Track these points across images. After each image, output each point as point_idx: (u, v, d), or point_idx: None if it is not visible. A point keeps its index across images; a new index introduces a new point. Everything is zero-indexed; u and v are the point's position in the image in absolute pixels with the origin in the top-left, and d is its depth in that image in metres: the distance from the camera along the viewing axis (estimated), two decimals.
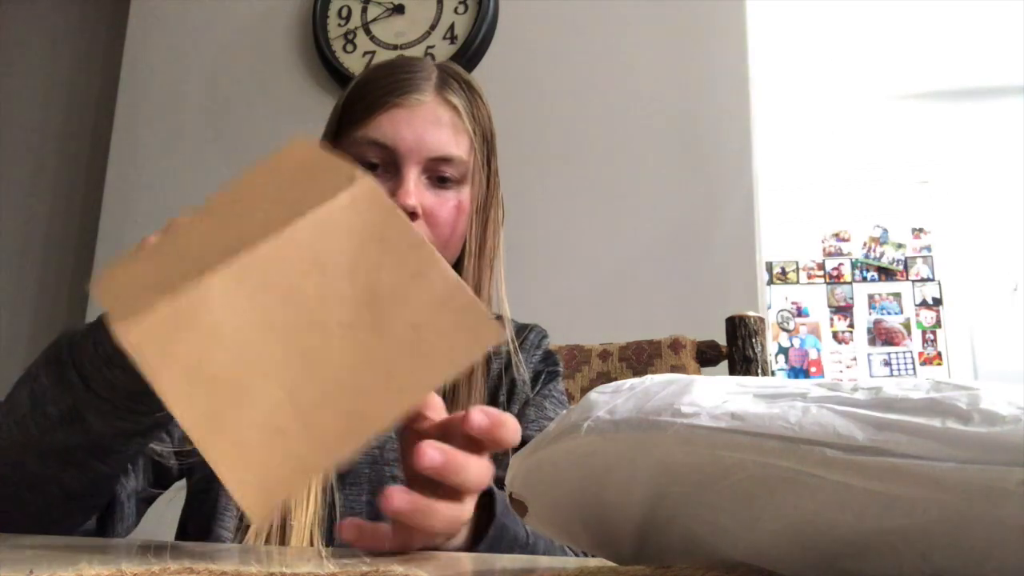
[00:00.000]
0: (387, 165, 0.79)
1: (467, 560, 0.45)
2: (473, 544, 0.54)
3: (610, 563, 0.37)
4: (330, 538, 0.71)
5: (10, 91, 2.18)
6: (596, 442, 0.31)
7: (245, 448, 0.40)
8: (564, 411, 0.81)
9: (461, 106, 0.81)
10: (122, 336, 0.38)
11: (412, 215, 0.77)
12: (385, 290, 0.41)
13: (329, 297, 0.41)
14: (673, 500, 0.32)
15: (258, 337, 0.40)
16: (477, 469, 0.48)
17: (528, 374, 0.83)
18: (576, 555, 0.64)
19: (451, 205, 0.80)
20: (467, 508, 0.49)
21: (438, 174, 0.79)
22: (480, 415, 0.47)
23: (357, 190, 0.41)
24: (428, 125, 0.78)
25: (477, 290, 0.82)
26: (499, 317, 0.86)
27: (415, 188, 0.77)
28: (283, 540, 0.69)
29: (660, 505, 0.32)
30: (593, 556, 0.38)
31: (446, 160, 0.79)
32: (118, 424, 0.54)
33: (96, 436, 0.54)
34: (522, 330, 0.88)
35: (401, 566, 0.33)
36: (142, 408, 0.54)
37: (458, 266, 0.84)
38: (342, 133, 0.82)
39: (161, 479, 0.74)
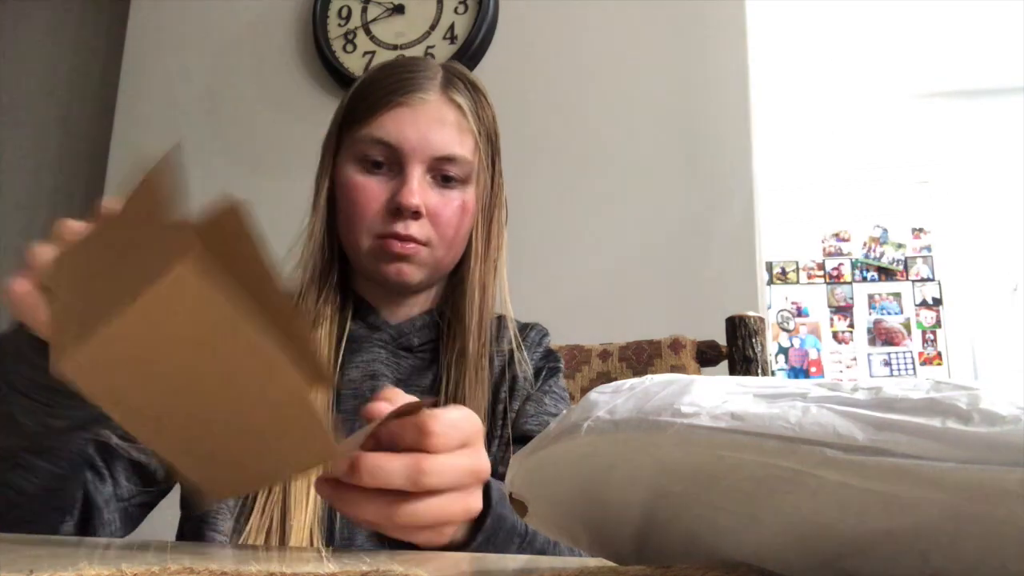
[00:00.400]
0: (391, 164, 0.79)
1: (467, 560, 0.45)
2: (471, 536, 0.54)
3: (610, 563, 0.37)
4: (331, 538, 0.71)
5: (10, 91, 2.18)
6: (596, 442, 0.31)
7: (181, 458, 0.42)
8: (564, 406, 0.82)
9: (466, 106, 0.81)
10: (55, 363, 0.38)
11: (415, 214, 0.77)
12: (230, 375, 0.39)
13: (189, 370, 0.39)
14: (673, 500, 0.32)
15: (149, 392, 0.40)
16: (400, 468, 0.45)
17: (530, 369, 0.83)
18: (574, 552, 0.64)
19: (455, 205, 0.80)
20: (430, 506, 0.47)
21: (442, 173, 0.79)
22: (381, 406, 0.47)
23: (184, 270, 0.36)
24: (432, 124, 0.79)
25: (483, 291, 0.82)
26: (501, 317, 0.86)
27: (419, 187, 0.77)
28: (283, 540, 0.69)
29: (660, 505, 0.32)
30: (593, 556, 0.38)
31: (450, 159, 0.79)
32: (50, 421, 0.55)
33: (32, 435, 0.55)
34: (523, 328, 0.88)
35: (401, 566, 0.33)
36: (69, 403, 0.54)
37: (463, 267, 0.84)
38: (345, 132, 0.82)
39: (149, 483, 0.74)
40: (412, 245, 0.78)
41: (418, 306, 0.85)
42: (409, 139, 0.78)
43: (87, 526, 0.68)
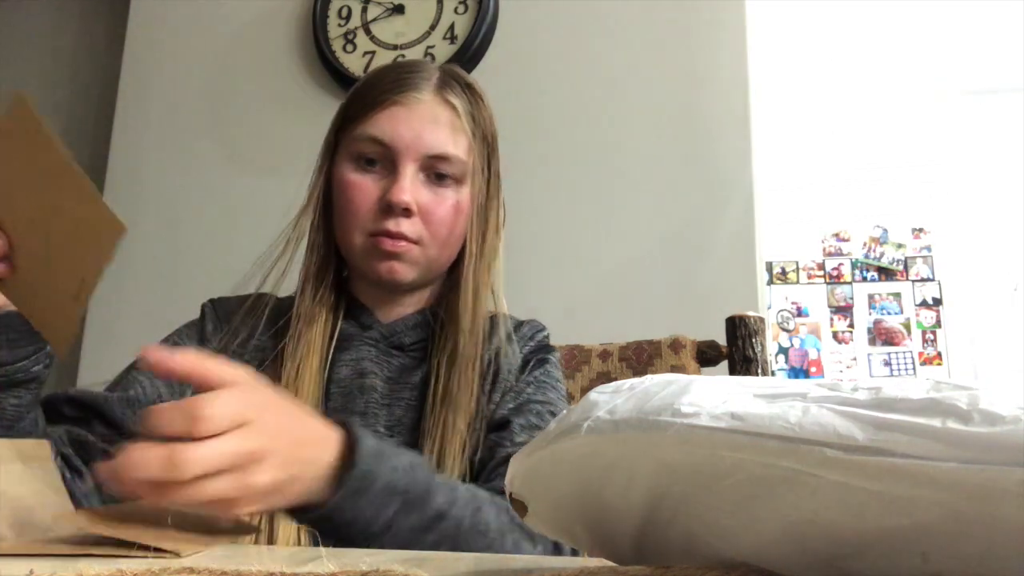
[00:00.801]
0: (385, 162, 0.80)
1: (467, 560, 0.45)
2: (333, 493, 0.54)
3: (610, 563, 0.37)
4: (316, 540, 0.71)
5: (10, 91, 2.18)
6: (596, 442, 0.31)
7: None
8: (554, 395, 0.81)
9: (460, 107, 0.82)
10: None
11: (406, 211, 0.78)
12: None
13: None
14: (673, 500, 0.32)
15: None
16: (156, 460, 0.45)
17: (517, 362, 0.83)
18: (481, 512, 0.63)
19: (449, 204, 0.80)
20: (199, 490, 0.46)
21: (436, 172, 0.80)
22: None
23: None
24: (426, 123, 0.79)
25: (476, 291, 0.82)
26: (495, 315, 0.86)
27: (410, 185, 0.78)
28: (271, 540, 0.70)
29: (660, 505, 0.32)
30: (593, 556, 0.38)
31: (443, 158, 0.79)
32: None
33: None
34: (519, 325, 0.88)
35: (401, 566, 0.33)
36: (4, 358, 0.62)
37: (457, 267, 0.84)
38: (342, 132, 0.83)
39: None
40: (403, 243, 0.79)
41: (411, 306, 0.85)
42: (403, 137, 0.78)
43: None
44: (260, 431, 0.49)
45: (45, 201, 0.56)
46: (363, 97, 0.82)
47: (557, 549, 0.66)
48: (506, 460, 0.71)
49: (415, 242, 0.79)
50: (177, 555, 0.42)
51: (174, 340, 0.84)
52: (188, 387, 0.79)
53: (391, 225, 0.78)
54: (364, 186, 0.79)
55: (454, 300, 0.82)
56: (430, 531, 0.58)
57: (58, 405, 0.73)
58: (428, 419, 0.76)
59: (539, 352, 0.86)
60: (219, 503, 0.48)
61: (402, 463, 0.58)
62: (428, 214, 0.79)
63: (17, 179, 0.55)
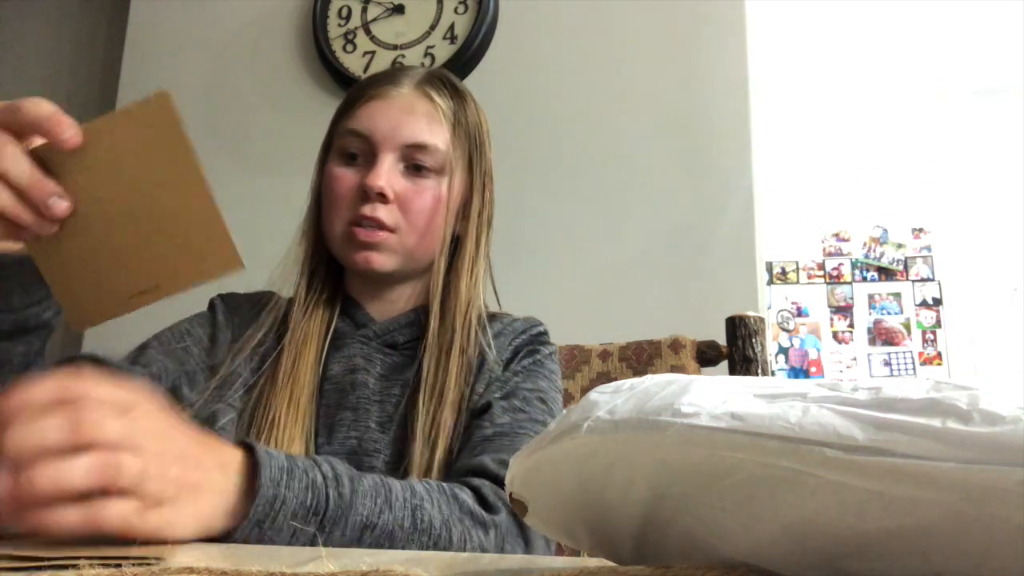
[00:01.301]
0: (366, 155, 0.82)
1: (467, 560, 0.45)
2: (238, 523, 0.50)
3: (610, 563, 0.37)
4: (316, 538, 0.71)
5: (10, 91, 2.18)
6: (596, 442, 0.31)
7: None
8: (545, 383, 0.81)
9: (439, 100, 0.84)
10: None
11: (381, 196, 0.80)
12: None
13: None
14: (673, 500, 0.32)
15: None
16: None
17: (505, 354, 0.83)
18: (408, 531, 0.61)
19: (427, 194, 0.82)
20: (37, 517, 0.41)
21: (414, 162, 0.82)
22: None
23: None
24: (403, 115, 0.82)
25: (453, 284, 0.83)
26: (493, 313, 0.86)
27: (387, 172, 0.80)
28: None
29: (660, 505, 0.32)
30: (593, 556, 0.38)
31: (421, 147, 0.82)
32: None
33: None
34: (514, 321, 0.88)
35: (401, 566, 0.33)
36: (15, 303, 0.62)
37: (447, 264, 0.85)
38: (332, 131, 0.87)
39: None
40: (380, 233, 0.80)
41: (403, 302, 0.87)
42: (380, 128, 0.81)
43: None
44: (140, 455, 0.45)
45: (155, 197, 0.55)
46: (347, 99, 0.87)
47: (520, 528, 0.64)
48: (483, 441, 0.72)
49: (391, 230, 0.81)
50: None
51: (185, 328, 0.85)
52: (200, 373, 0.79)
53: (367, 210, 0.80)
54: (345, 177, 0.82)
55: (442, 296, 0.84)
56: (360, 543, 0.55)
57: (82, 365, 0.73)
58: (419, 413, 0.76)
59: (531, 344, 0.86)
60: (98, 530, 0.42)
61: (316, 479, 0.54)
62: (405, 202, 0.81)
63: (131, 164, 0.53)
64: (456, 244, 0.86)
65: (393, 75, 0.86)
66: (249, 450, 0.53)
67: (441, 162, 0.83)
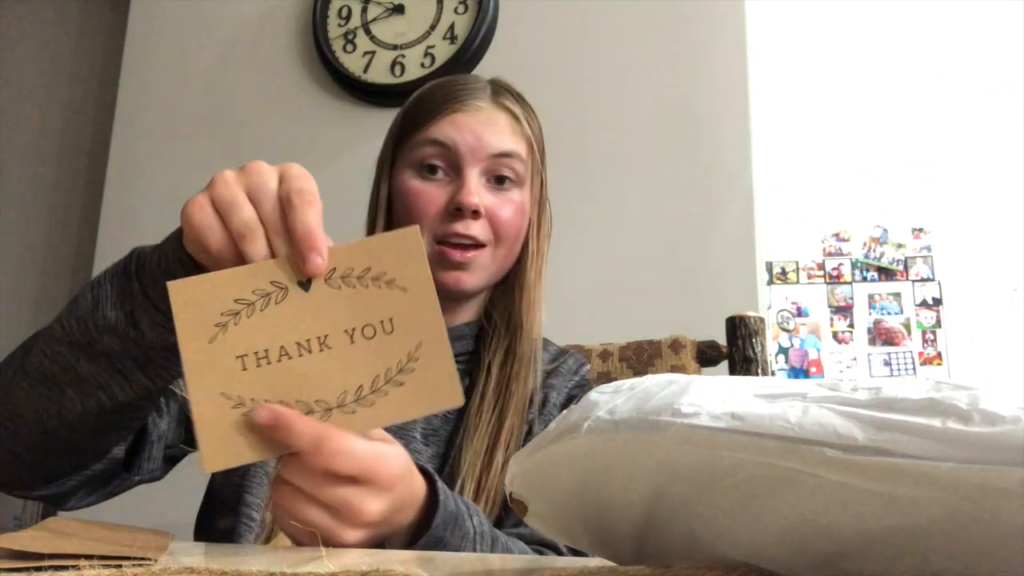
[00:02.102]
0: (447, 168, 0.81)
1: (467, 560, 0.45)
2: (415, 539, 0.54)
3: (610, 563, 0.37)
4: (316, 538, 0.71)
5: (10, 91, 2.18)
6: (596, 442, 0.31)
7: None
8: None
9: (517, 111, 0.84)
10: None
11: (475, 213, 0.79)
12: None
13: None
14: (673, 500, 0.32)
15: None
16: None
17: (562, 398, 0.83)
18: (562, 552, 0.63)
19: (513, 205, 0.82)
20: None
21: (497, 174, 0.81)
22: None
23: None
24: (486, 127, 0.81)
25: (535, 295, 0.83)
26: (544, 339, 0.86)
27: (477, 188, 0.79)
28: (269, 539, 0.70)
29: (660, 505, 0.32)
30: (593, 556, 0.38)
31: (507, 155, 0.81)
32: (168, 337, 0.54)
33: (147, 347, 0.56)
34: (560, 354, 0.88)
35: (401, 566, 0.33)
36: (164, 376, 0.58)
37: (513, 272, 0.85)
38: (400, 143, 0.84)
39: (192, 439, 0.74)
40: (472, 252, 0.79)
41: (465, 315, 0.86)
42: (466, 140, 0.80)
43: (135, 456, 0.70)
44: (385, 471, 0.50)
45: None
46: (421, 108, 0.84)
47: None
48: None
49: (484, 245, 0.80)
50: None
51: None
52: None
53: (460, 227, 0.78)
54: (428, 192, 0.80)
55: (509, 301, 0.83)
56: None
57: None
58: (472, 419, 0.76)
59: (582, 388, 0.87)
60: (329, 520, 0.48)
61: (469, 532, 0.58)
62: (494, 216, 0.80)
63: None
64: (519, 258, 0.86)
65: (467, 89, 0.84)
66: (429, 482, 0.55)
67: (522, 171, 0.82)
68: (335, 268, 0.49)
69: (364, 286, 0.49)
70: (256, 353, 0.47)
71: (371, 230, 0.85)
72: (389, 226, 0.84)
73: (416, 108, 0.85)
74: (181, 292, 0.47)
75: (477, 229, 0.79)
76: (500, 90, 0.86)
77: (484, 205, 0.79)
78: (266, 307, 0.48)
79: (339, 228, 0.88)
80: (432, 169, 0.81)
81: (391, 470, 0.50)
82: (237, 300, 0.48)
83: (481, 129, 0.81)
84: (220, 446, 0.47)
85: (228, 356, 0.47)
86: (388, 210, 0.84)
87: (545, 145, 0.89)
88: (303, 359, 0.48)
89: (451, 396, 0.49)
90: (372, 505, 0.49)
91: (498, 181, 0.82)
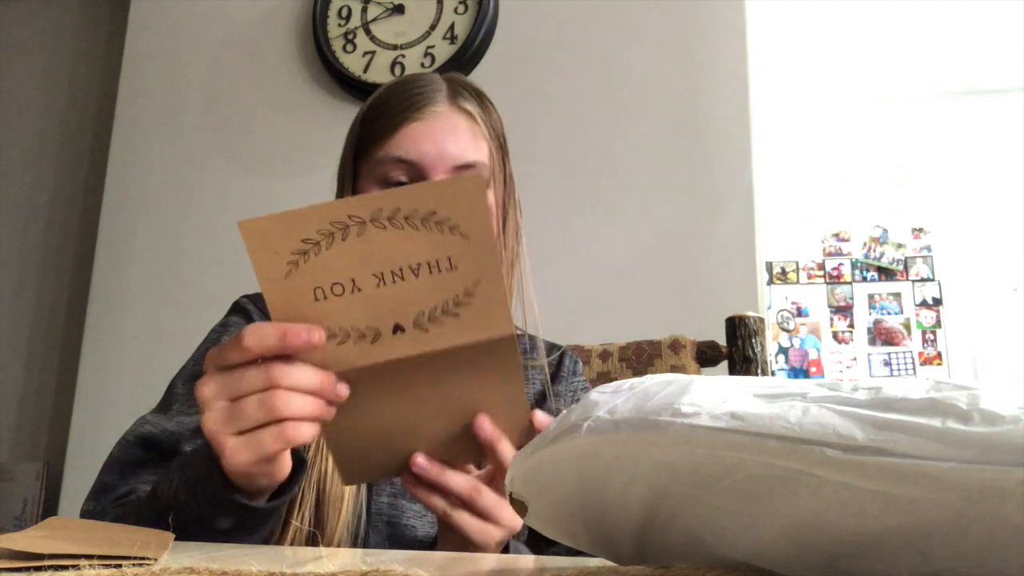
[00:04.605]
0: (412, 179, 0.79)
1: (467, 560, 0.45)
2: None
3: (610, 563, 0.37)
4: (354, 544, 0.71)
5: (10, 91, 2.18)
6: (596, 442, 0.31)
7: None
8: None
9: (475, 112, 0.82)
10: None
11: None
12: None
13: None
14: (673, 500, 0.32)
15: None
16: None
17: (568, 402, 0.84)
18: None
19: None
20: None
21: None
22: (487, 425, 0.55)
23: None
24: (447, 135, 0.80)
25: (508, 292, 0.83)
26: (531, 336, 0.86)
27: None
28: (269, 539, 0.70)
29: (660, 505, 0.32)
30: (593, 556, 0.38)
31: (470, 166, 0.80)
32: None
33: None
34: (552, 350, 0.88)
35: (401, 566, 0.33)
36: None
37: None
38: (362, 154, 0.83)
39: None
40: None
41: None
42: (428, 153, 0.78)
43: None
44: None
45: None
46: (379, 117, 0.82)
47: None
48: None
49: None
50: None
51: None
52: None
53: None
54: None
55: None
56: None
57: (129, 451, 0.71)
58: None
59: (582, 388, 0.87)
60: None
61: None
62: None
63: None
64: None
65: (423, 92, 0.82)
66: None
67: (486, 177, 0.81)
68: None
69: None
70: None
71: None
72: None
73: (374, 117, 0.83)
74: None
75: None
76: (457, 89, 0.83)
77: None
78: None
79: None
80: (397, 184, 0.79)
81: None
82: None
83: (442, 139, 0.79)
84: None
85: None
86: None
87: (507, 138, 0.87)
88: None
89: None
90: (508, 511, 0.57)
91: None
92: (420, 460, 0.56)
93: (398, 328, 0.52)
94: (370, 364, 0.52)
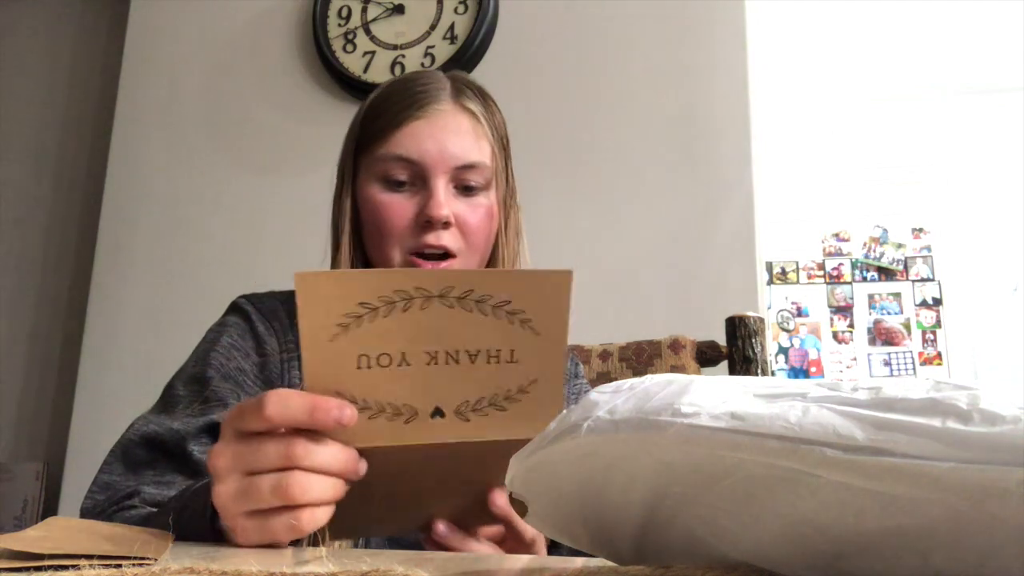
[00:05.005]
0: (414, 179, 0.79)
1: (467, 560, 0.45)
2: None
3: (610, 563, 0.37)
4: (354, 544, 0.71)
5: (10, 91, 2.18)
6: (596, 442, 0.31)
7: None
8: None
9: (479, 112, 0.82)
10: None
11: (445, 224, 0.78)
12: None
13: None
14: (673, 500, 0.32)
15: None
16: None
17: (571, 402, 0.84)
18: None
19: (481, 211, 0.81)
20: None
21: (464, 183, 0.80)
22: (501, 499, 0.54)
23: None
24: (449, 134, 0.79)
25: None
26: None
27: (445, 198, 0.78)
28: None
29: (660, 505, 0.32)
30: (593, 556, 0.38)
31: (471, 167, 0.79)
32: None
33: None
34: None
35: (401, 566, 0.33)
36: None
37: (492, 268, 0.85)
38: (362, 152, 0.82)
39: None
40: (444, 263, 0.78)
41: None
42: (429, 152, 0.78)
43: None
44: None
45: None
46: (381, 115, 0.81)
47: None
48: None
49: (454, 255, 0.79)
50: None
51: (228, 343, 0.79)
52: (257, 391, 0.76)
53: (432, 239, 0.77)
54: (397, 205, 0.79)
55: None
56: None
57: (131, 450, 0.70)
58: None
59: (584, 391, 0.88)
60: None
61: None
62: (464, 224, 0.79)
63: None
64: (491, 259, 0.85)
65: (426, 89, 0.81)
66: None
67: (488, 177, 0.81)
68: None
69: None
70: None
71: (336, 241, 0.83)
72: (357, 236, 0.82)
73: (376, 114, 0.82)
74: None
75: (448, 239, 0.78)
76: (461, 88, 0.83)
77: (454, 213, 0.78)
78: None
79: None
80: (399, 183, 0.79)
81: None
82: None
83: (445, 138, 0.78)
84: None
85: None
86: (354, 221, 0.82)
87: (510, 138, 0.87)
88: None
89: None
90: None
91: (465, 189, 0.80)
92: (441, 529, 0.54)
93: (437, 412, 0.48)
94: (398, 446, 0.48)
